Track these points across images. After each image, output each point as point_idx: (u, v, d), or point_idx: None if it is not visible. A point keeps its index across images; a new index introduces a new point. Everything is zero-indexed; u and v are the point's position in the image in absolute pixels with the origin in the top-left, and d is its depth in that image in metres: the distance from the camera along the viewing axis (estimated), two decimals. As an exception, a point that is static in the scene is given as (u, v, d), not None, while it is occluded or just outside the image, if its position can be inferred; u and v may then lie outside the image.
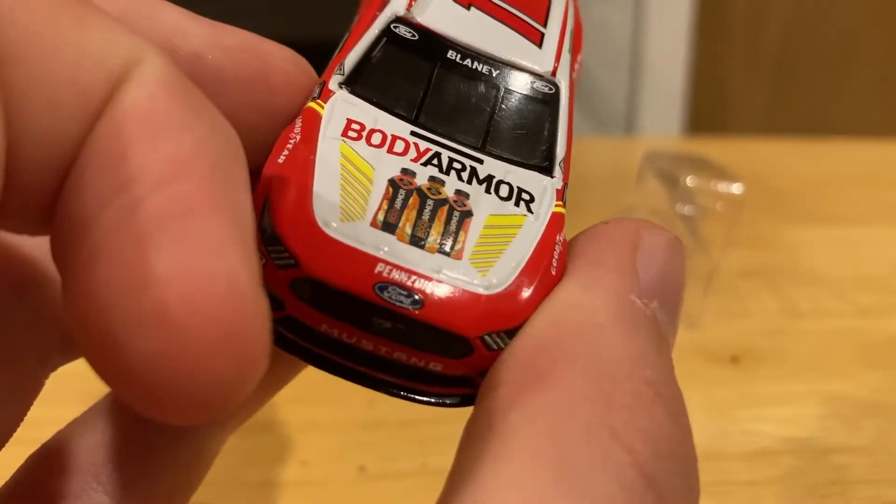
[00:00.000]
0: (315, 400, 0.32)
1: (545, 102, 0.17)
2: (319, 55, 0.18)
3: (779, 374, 0.35)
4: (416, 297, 0.14)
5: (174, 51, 0.15)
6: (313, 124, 0.15)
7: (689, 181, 0.43)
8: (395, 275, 0.14)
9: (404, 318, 0.14)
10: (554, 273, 0.15)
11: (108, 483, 0.17)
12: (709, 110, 1.20)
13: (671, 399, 0.14)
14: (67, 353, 0.17)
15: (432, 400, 0.15)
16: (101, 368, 0.11)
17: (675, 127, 1.19)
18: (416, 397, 0.15)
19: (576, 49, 0.19)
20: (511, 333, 0.14)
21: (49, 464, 0.17)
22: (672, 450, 0.13)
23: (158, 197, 0.11)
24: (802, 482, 0.29)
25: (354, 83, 0.16)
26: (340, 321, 0.14)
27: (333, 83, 0.16)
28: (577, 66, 0.19)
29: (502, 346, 0.14)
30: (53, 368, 0.17)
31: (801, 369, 0.36)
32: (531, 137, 0.16)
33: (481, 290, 0.14)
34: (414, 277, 0.14)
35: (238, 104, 0.16)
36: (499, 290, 0.14)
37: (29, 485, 0.17)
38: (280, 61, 0.16)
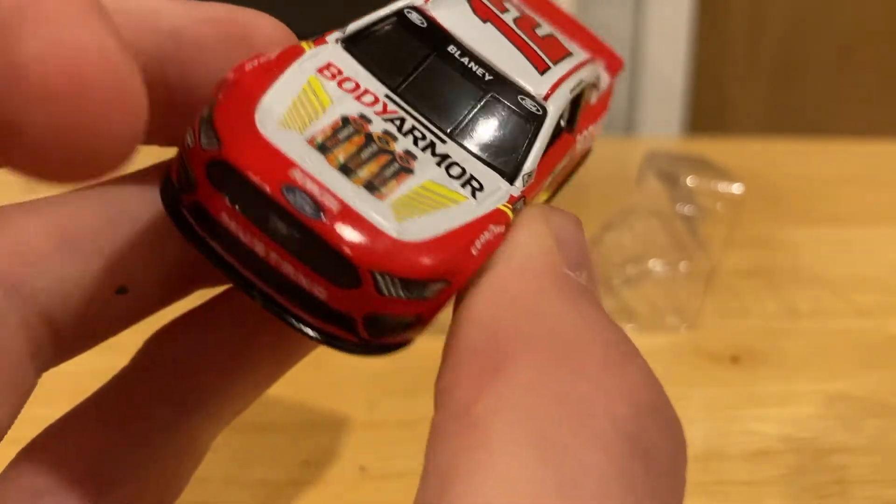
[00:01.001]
0: (315, 400, 0.32)
1: (528, 119, 0.17)
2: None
3: (779, 374, 0.35)
4: (320, 210, 0.13)
5: (155, 29, 0.16)
6: (294, 54, 0.16)
7: (690, 181, 0.43)
8: (308, 184, 0.14)
9: (300, 226, 0.13)
10: (475, 255, 0.14)
11: (97, 477, 0.17)
12: (709, 110, 1.20)
13: (636, 356, 0.14)
14: (59, 353, 0.17)
15: (301, 326, 0.14)
16: (4, 153, 0.12)
17: (675, 127, 1.19)
18: (289, 318, 0.14)
19: (591, 116, 0.19)
20: (407, 285, 0.14)
21: (37, 459, 0.17)
22: (651, 404, 0.13)
23: None
24: (802, 482, 0.29)
25: (351, 43, 0.16)
26: (241, 214, 0.14)
27: (331, 37, 0.16)
28: (587, 133, 0.19)
29: (392, 293, 0.14)
30: (45, 368, 0.17)
31: (801, 369, 0.36)
32: (503, 143, 0.16)
33: (390, 232, 0.14)
34: (326, 194, 0.14)
35: (223, 70, 0.16)
36: (408, 239, 0.14)
37: (17, 480, 0.17)
38: (260, 26, 0.16)
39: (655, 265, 0.40)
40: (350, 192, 0.14)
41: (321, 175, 0.14)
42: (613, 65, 0.21)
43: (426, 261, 0.14)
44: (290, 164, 0.14)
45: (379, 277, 0.14)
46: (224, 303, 0.19)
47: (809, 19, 1.17)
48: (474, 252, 0.14)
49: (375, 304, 0.14)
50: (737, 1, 1.19)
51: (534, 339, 0.13)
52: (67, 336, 0.17)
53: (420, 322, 0.15)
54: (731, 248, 0.43)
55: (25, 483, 0.17)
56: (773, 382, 0.35)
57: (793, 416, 0.33)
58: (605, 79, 0.20)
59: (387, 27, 0.17)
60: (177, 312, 0.19)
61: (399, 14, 0.17)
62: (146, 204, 0.17)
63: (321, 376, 0.33)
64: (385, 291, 0.14)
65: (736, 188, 0.43)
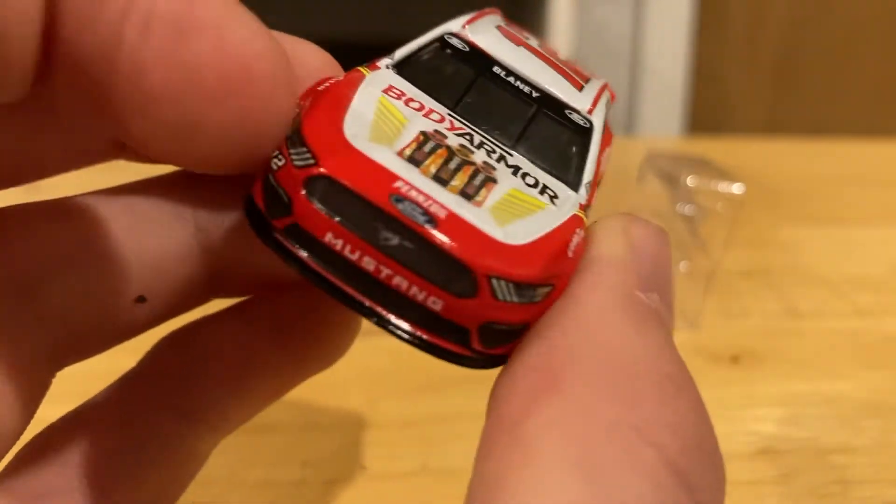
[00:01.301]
0: (315, 400, 0.32)
1: (578, 132, 0.17)
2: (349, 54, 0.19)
3: (779, 374, 0.35)
4: (431, 217, 0.14)
5: None
6: (356, 77, 0.16)
7: (690, 181, 0.43)
8: (413, 194, 0.14)
9: (414, 235, 0.13)
10: (571, 257, 0.15)
11: (96, 480, 0.17)
12: (709, 110, 1.20)
13: (691, 390, 0.14)
14: (74, 353, 0.17)
15: (414, 341, 0.14)
16: (177, 144, 0.14)
17: (675, 127, 1.19)
18: (402, 334, 0.14)
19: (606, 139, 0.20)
20: (520, 288, 0.14)
21: (37, 459, 0.17)
22: (698, 441, 0.13)
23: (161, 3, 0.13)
24: (802, 482, 0.29)
25: (401, 68, 0.17)
26: (347, 230, 0.14)
27: (381, 63, 0.17)
28: (608, 152, 0.19)
29: (507, 298, 0.14)
30: (59, 368, 0.17)
31: (802, 369, 0.36)
32: (561, 155, 0.17)
33: (498, 236, 0.14)
34: (431, 202, 0.14)
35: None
36: (514, 242, 0.14)
37: (16, 480, 0.17)
38: (303, 54, 0.17)
39: (655, 265, 0.40)
40: (451, 201, 0.14)
41: (422, 185, 0.14)
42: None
43: (536, 263, 0.14)
44: (392, 175, 0.14)
45: (495, 282, 0.14)
46: (234, 316, 0.19)
47: (809, 19, 1.17)
48: (570, 254, 0.15)
49: (491, 311, 0.14)
50: (737, 1, 1.19)
51: (591, 363, 0.13)
52: (84, 340, 0.17)
53: (524, 331, 0.15)
54: (731, 248, 0.43)
55: (23, 484, 0.17)
56: (774, 382, 0.35)
57: (793, 415, 0.33)
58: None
59: (431, 52, 0.17)
60: (186, 318, 0.19)
61: (440, 40, 0.17)
62: (167, 213, 0.17)
63: (322, 376, 0.33)
64: (501, 297, 0.14)
65: (736, 188, 0.43)
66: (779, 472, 0.30)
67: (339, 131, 0.14)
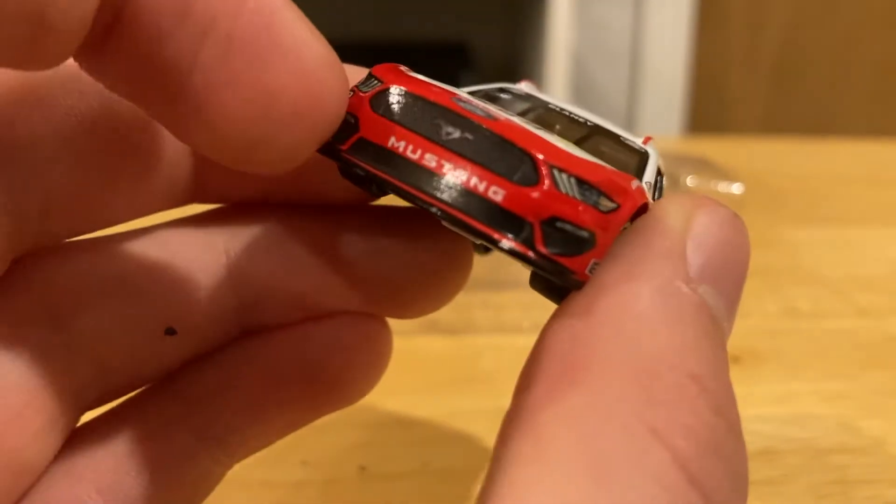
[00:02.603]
0: (315, 400, 0.32)
1: (635, 153, 0.18)
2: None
3: (779, 374, 0.35)
4: (491, 114, 0.14)
5: None
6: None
7: (690, 181, 0.43)
8: (475, 102, 0.15)
9: (475, 126, 0.14)
10: (635, 189, 0.15)
11: (109, 495, 0.17)
12: (709, 110, 1.20)
13: (717, 392, 0.13)
14: (102, 391, 0.17)
15: (482, 233, 0.14)
16: (246, 160, 0.14)
17: (675, 127, 1.19)
18: (465, 228, 0.14)
19: None
20: (584, 186, 0.14)
21: (52, 470, 0.17)
22: (716, 446, 0.13)
23: (240, 22, 0.13)
24: (802, 482, 0.29)
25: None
26: (408, 129, 0.14)
27: None
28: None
29: (569, 191, 0.14)
30: (87, 408, 0.17)
31: (802, 369, 0.36)
32: (618, 161, 0.17)
33: (561, 145, 0.14)
34: (490, 111, 0.15)
35: None
36: (578, 154, 0.14)
37: (26, 497, 0.16)
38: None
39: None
40: (514, 117, 0.15)
41: (483, 104, 0.15)
42: None
43: (599, 170, 0.14)
44: (451, 93, 0.15)
45: (556, 173, 0.14)
46: (262, 344, 0.19)
47: (809, 19, 1.17)
48: (633, 188, 0.14)
49: (553, 203, 0.14)
50: (737, 1, 1.19)
51: (615, 354, 0.13)
52: (113, 376, 0.17)
53: (594, 246, 0.14)
54: (731, 248, 0.43)
55: (32, 494, 0.17)
56: (774, 382, 0.35)
57: (793, 415, 0.33)
58: None
59: (491, 94, 0.18)
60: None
61: (498, 87, 0.19)
62: (198, 244, 0.18)
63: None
64: (563, 188, 0.14)
65: (736, 188, 0.43)
66: (778, 472, 0.30)
67: (406, 72, 0.16)
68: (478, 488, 0.28)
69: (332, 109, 0.14)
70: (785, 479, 0.29)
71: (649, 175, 0.17)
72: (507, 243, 0.14)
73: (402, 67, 0.16)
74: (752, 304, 0.41)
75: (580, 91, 1.27)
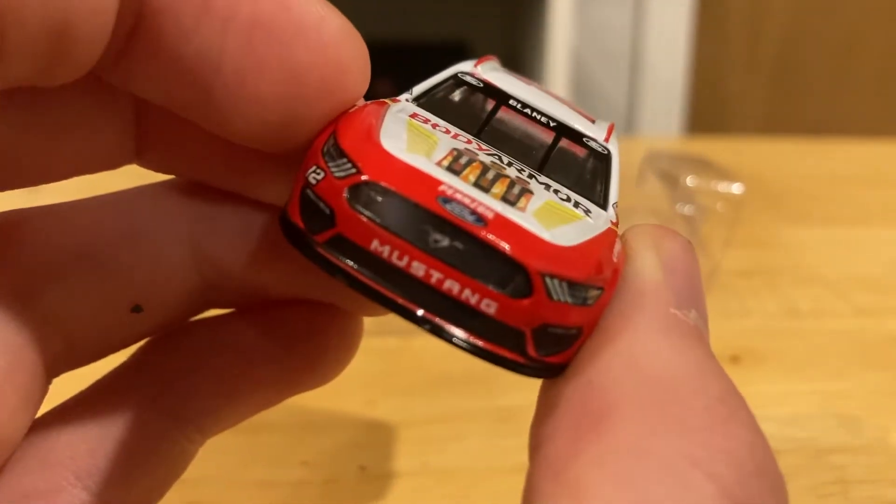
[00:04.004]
0: (315, 400, 0.32)
1: (599, 158, 0.17)
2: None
3: (779, 374, 0.35)
4: (480, 216, 0.13)
5: None
6: (381, 104, 0.16)
7: (689, 181, 0.43)
8: (459, 196, 0.14)
9: (465, 235, 0.13)
10: (616, 262, 0.14)
11: (87, 479, 0.17)
12: (709, 110, 1.20)
13: (742, 409, 0.13)
14: (70, 361, 0.17)
15: (476, 347, 0.14)
16: (280, 140, 0.15)
17: (675, 127, 1.19)
18: (459, 342, 0.14)
19: None
20: (574, 288, 0.13)
21: (20, 458, 0.17)
22: (758, 465, 0.12)
23: (260, 6, 0.14)
24: (802, 482, 0.29)
25: (421, 100, 0.17)
26: (394, 235, 0.13)
27: (401, 97, 0.17)
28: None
29: (562, 298, 0.13)
30: (56, 375, 0.17)
31: (801, 369, 0.36)
32: (585, 178, 0.17)
33: (546, 237, 0.14)
34: (478, 204, 0.14)
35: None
36: (563, 244, 0.14)
37: (6, 477, 0.17)
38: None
39: (655, 265, 0.40)
40: (496, 204, 0.14)
41: (465, 189, 0.14)
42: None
43: (587, 263, 0.14)
44: (435, 181, 0.14)
45: (549, 281, 0.13)
46: (230, 321, 0.19)
47: (809, 19, 1.17)
48: (615, 259, 0.14)
49: (546, 312, 0.13)
50: (736, 1, 1.19)
51: (635, 393, 0.12)
52: (81, 348, 0.17)
53: (580, 336, 0.14)
54: (731, 248, 0.43)
55: (7, 484, 0.16)
56: (773, 382, 0.35)
57: (793, 415, 0.33)
58: None
59: (448, 88, 0.18)
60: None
61: (454, 78, 0.18)
62: (164, 223, 0.17)
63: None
64: (555, 296, 0.13)
65: (736, 188, 0.43)
66: (778, 472, 0.30)
67: (377, 144, 0.14)
68: (477, 488, 0.28)
69: (357, 78, 0.15)
70: (785, 478, 0.29)
71: (614, 186, 0.17)
72: (497, 353, 0.14)
73: (371, 119, 0.15)
74: (752, 304, 0.41)
75: (580, 91, 1.27)
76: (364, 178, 0.14)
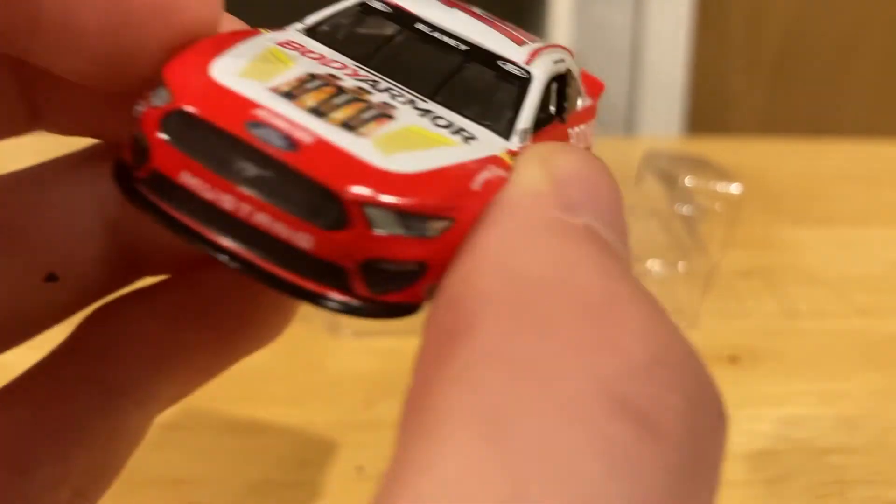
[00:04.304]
0: (313, 400, 0.32)
1: (512, 81, 0.15)
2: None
3: (777, 374, 0.35)
4: (292, 142, 0.12)
5: None
6: (250, 32, 0.15)
7: (688, 181, 0.43)
8: (275, 120, 0.12)
9: (270, 162, 0.12)
10: (477, 190, 0.13)
11: (18, 458, 0.16)
12: (709, 110, 1.20)
13: (638, 301, 0.11)
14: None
15: (289, 289, 0.12)
16: (119, 77, 0.14)
17: (675, 127, 1.19)
18: (275, 282, 0.12)
19: (579, 118, 0.18)
20: (404, 218, 0.12)
21: None
22: (653, 357, 0.10)
23: None
24: (801, 482, 0.29)
25: (313, 30, 0.16)
26: (200, 165, 0.12)
27: (290, 27, 0.16)
28: (579, 131, 0.18)
29: (390, 230, 0.12)
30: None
31: (800, 369, 0.36)
32: (491, 104, 0.15)
33: (376, 162, 0.12)
34: (296, 129, 0.12)
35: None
36: (397, 170, 0.12)
37: None
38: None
39: (654, 265, 0.40)
40: (324, 129, 0.12)
41: (289, 114, 0.12)
42: (595, 88, 0.20)
43: (423, 191, 0.12)
44: (251, 104, 0.12)
45: (370, 211, 0.12)
46: (158, 292, 0.18)
47: (809, 20, 1.17)
48: (475, 187, 0.13)
49: (370, 245, 0.12)
50: (737, 1, 1.19)
51: (497, 297, 0.11)
52: (1, 325, 0.17)
53: (426, 273, 0.13)
54: (729, 248, 0.43)
55: None
56: (772, 382, 0.35)
57: (792, 416, 0.33)
58: (585, 99, 0.19)
59: (350, 16, 0.16)
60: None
61: (361, 4, 0.16)
62: (74, 189, 0.17)
63: (320, 377, 0.33)
64: (381, 228, 0.12)
65: (735, 188, 0.43)
66: (777, 472, 0.30)
67: (202, 70, 0.13)
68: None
69: (194, 2, 0.13)
70: (783, 479, 0.29)
71: (527, 112, 0.15)
72: (321, 294, 0.12)
73: (218, 47, 0.14)
74: (750, 304, 0.41)
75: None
76: (175, 105, 0.12)
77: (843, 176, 0.57)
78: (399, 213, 0.12)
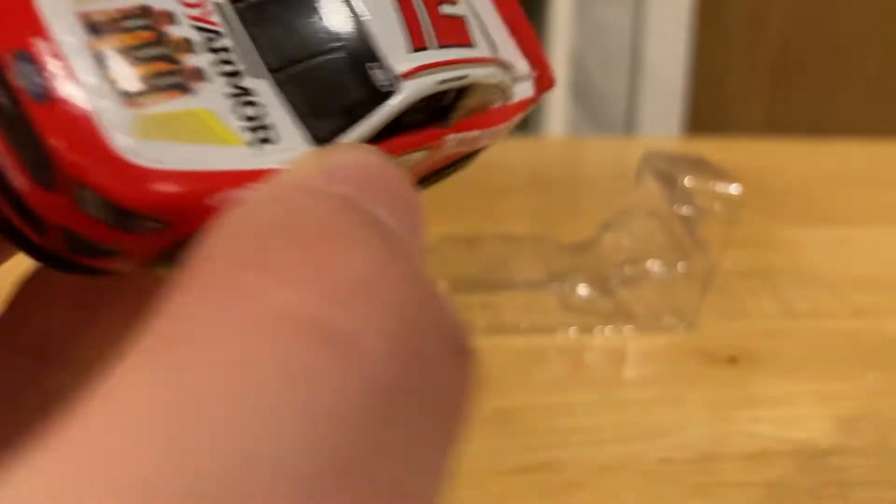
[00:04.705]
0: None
1: (370, 91, 0.14)
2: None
3: (777, 375, 0.35)
4: (46, 91, 0.11)
5: None
6: None
7: (688, 181, 0.43)
8: (47, 59, 0.11)
9: (15, 102, 0.11)
10: (211, 206, 0.12)
11: None
12: (708, 110, 1.20)
13: (370, 238, 0.10)
14: None
15: (4, 216, 0.12)
16: None
17: (675, 127, 1.19)
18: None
19: (485, 120, 0.16)
20: (109, 210, 0.12)
21: None
22: (361, 282, 0.10)
23: None
24: (800, 483, 0.29)
25: None
26: None
27: None
28: (468, 136, 0.16)
29: (92, 213, 0.12)
30: None
31: (799, 370, 0.36)
32: (330, 104, 0.14)
33: (117, 145, 0.11)
34: (63, 80, 0.11)
35: None
36: (135, 160, 0.11)
37: None
38: None
39: (653, 266, 0.40)
40: (94, 88, 0.11)
41: (71, 56, 0.11)
42: (544, 81, 0.18)
43: (144, 190, 0.11)
44: (39, 28, 0.11)
45: (79, 190, 0.11)
46: None
47: (809, 19, 1.17)
48: (211, 203, 0.12)
49: (71, 218, 0.12)
50: (737, 1, 1.19)
51: (222, 241, 0.10)
52: None
53: (126, 254, 0.12)
54: (729, 249, 0.43)
55: None
56: (772, 383, 0.35)
57: (791, 416, 0.33)
58: (524, 90, 0.17)
59: None
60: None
61: None
62: None
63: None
64: (83, 208, 0.12)
65: (734, 188, 0.43)
66: (776, 473, 0.30)
67: None
68: (475, 489, 0.28)
69: None
70: (783, 480, 0.29)
71: (362, 129, 0.14)
72: (22, 231, 0.12)
73: None
74: (750, 305, 0.41)
75: (580, 91, 1.27)
76: None
77: (843, 176, 0.57)
78: (106, 203, 0.12)
